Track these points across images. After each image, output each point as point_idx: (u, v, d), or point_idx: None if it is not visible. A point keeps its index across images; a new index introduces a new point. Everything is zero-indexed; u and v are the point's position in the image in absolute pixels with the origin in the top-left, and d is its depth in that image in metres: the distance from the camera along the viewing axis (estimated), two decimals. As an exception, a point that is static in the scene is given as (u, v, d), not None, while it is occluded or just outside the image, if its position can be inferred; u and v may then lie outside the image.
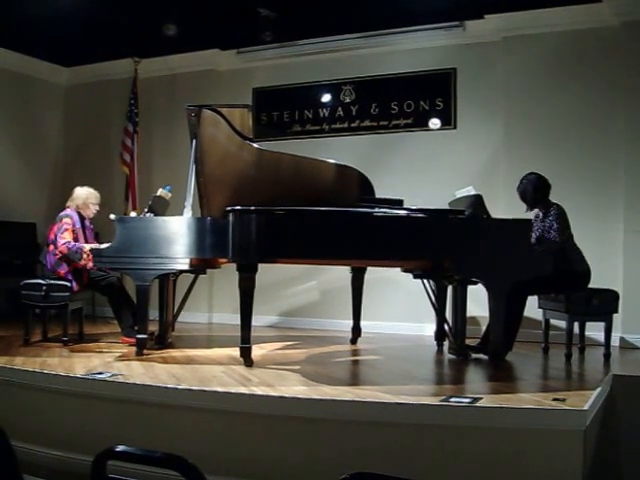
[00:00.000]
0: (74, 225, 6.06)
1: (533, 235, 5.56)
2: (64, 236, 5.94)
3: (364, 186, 5.88)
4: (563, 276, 5.33)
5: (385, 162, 7.47)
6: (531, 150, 6.84)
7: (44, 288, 5.83)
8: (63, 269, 5.97)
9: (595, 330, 5.82)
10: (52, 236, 6.03)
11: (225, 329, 7.47)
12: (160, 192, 6.04)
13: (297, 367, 5.03)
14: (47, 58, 8.87)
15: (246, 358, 4.97)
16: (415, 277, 6.08)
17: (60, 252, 5.92)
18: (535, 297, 5.75)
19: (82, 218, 6.22)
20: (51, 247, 6.03)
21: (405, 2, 7.02)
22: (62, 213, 6.17)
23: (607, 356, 5.47)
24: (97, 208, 6.32)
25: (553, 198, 5.62)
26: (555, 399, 3.80)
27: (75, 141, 9.30)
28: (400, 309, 7.34)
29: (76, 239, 6.00)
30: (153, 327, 5.94)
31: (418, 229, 5.07)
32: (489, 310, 5.09)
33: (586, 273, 5.46)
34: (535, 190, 5.55)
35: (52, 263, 6.01)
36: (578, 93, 6.79)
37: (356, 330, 6.52)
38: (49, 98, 9.20)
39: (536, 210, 5.69)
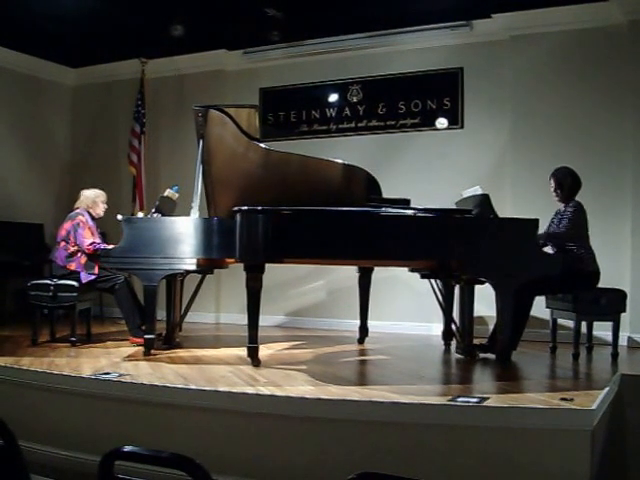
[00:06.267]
0: (88, 222, 6.12)
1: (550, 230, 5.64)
2: (86, 235, 6.04)
3: (371, 186, 5.88)
4: (572, 277, 5.32)
5: (392, 162, 7.47)
6: (538, 149, 6.83)
7: (52, 288, 5.86)
8: (74, 263, 6.02)
9: (603, 330, 5.80)
10: (63, 233, 6.10)
11: (232, 329, 7.48)
12: (167, 192, 6.06)
13: (304, 367, 5.03)
14: (54, 59, 8.90)
15: (253, 358, 4.98)
16: (422, 277, 6.07)
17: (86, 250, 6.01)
18: (543, 297, 5.74)
19: (92, 219, 6.25)
20: (62, 243, 6.09)
21: (412, 2, 7.03)
22: (73, 212, 6.22)
23: (615, 356, 5.45)
24: (105, 206, 6.38)
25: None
26: (563, 399, 3.78)
27: (82, 142, 9.33)
28: (407, 309, 7.34)
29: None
30: (161, 327, 5.95)
31: (425, 229, 5.06)
32: (496, 310, 5.09)
33: (595, 274, 5.45)
34: (574, 182, 5.59)
35: (63, 258, 6.06)
36: (585, 92, 6.78)
37: (363, 330, 6.52)
38: (56, 99, 9.23)
39: (558, 205, 5.72)
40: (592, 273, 5.45)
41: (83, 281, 5.99)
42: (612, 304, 5.45)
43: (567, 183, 5.59)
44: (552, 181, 5.65)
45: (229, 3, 6.98)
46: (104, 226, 6.66)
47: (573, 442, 3.47)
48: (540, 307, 5.80)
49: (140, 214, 7.16)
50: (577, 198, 5.60)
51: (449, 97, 7.51)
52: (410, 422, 3.68)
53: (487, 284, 5.23)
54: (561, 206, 5.69)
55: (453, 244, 5.06)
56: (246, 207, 4.90)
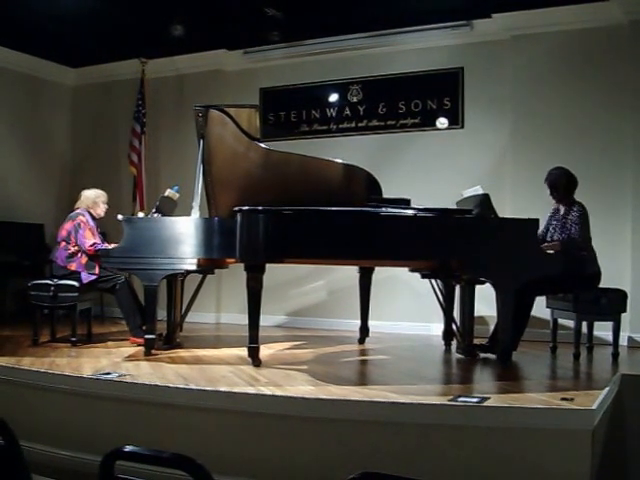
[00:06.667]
0: (89, 223, 6.12)
1: (550, 229, 5.65)
2: (87, 235, 6.04)
3: (371, 186, 5.88)
4: (573, 277, 5.32)
5: (392, 162, 7.46)
6: (538, 149, 6.83)
7: (52, 289, 5.86)
8: (75, 263, 6.03)
9: (603, 330, 5.80)
10: (64, 233, 6.10)
11: (233, 329, 7.48)
12: (168, 192, 6.06)
13: (305, 367, 5.03)
14: (54, 59, 8.90)
15: (254, 358, 4.97)
16: (423, 277, 6.07)
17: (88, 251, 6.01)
18: (543, 296, 5.74)
19: (92, 219, 6.25)
20: (62, 244, 6.09)
21: (412, 2, 7.03)
22: (74, 213, 6.22)
23: (615, 355, 5.45)
24: (106, 207, 6.38)
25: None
26: (563, 399, 3.78)
27: (83, 142, 9.34)
28: (408, 309, 7.34)
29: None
30: (161, 327, 5.94)
31: (426, 229, 5.06)
32: (497, 310, 5.09)
33: (597, 275, 5.46)
34: (568, 181, 5.57)
35: (63, 258, 6.06)
36: (586, 92, 6.77)
37: (364, 330, 6.52)
38: (57, 99, 9.23)
39: (554, 205, 5.70)
40: (594, 274, 5.45)
41: (84, 281, 5.99)
42: (612, 304, 5.45)
43: (562, 183, 5.59)
44: (547, 185, 5.65)
45: (229, 3, 6.98)
46: (104, 226, 6.65)
47: (573, 442, 3.47)
48: (540, 307, 5.80)
49: (141, 214, 7.15)
50: (577, 198, 5.60)
51: (449, 97, 7.51)
52: (410, 422, 3.68)
53: (487, 284, 5.24)
54: (560, 207, 5.68)
55: (453, 244, 5.05)
56: (246, 207, 4.90)
